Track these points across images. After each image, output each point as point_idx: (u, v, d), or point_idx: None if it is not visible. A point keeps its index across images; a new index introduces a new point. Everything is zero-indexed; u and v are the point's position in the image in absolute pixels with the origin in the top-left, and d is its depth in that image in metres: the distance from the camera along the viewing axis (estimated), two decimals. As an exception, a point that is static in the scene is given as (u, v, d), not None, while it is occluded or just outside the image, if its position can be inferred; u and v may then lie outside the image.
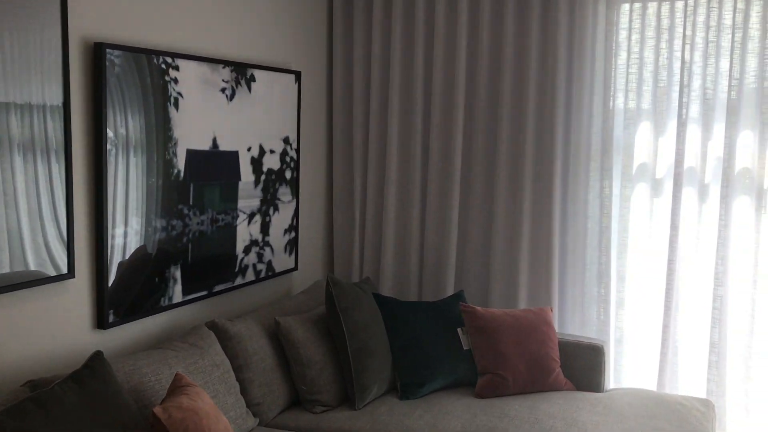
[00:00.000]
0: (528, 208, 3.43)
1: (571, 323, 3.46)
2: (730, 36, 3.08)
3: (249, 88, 3.15)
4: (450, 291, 3.57)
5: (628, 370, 3.41)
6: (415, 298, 3.67)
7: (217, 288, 3.06)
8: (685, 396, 3.06)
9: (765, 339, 3.11)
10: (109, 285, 2.51)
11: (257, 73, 3.20)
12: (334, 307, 3.00)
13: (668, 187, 3.26)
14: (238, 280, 3.19)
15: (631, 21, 3.27)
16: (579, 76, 3.35)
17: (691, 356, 3.27)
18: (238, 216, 3.15)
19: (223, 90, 2.99)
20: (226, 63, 2.99)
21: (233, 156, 3.09)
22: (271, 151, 3.34)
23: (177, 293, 2.84)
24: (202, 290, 2.97)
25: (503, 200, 3.48)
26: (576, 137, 3.38)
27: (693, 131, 3.19)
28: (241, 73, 3.09)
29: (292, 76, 3.45)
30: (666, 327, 3.26)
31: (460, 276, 3.62)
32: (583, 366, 3.17)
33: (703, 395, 3.22)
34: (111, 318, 2.53)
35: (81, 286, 2.44)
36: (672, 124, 3.23)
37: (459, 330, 3.19)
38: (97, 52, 2.42)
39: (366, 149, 3.76)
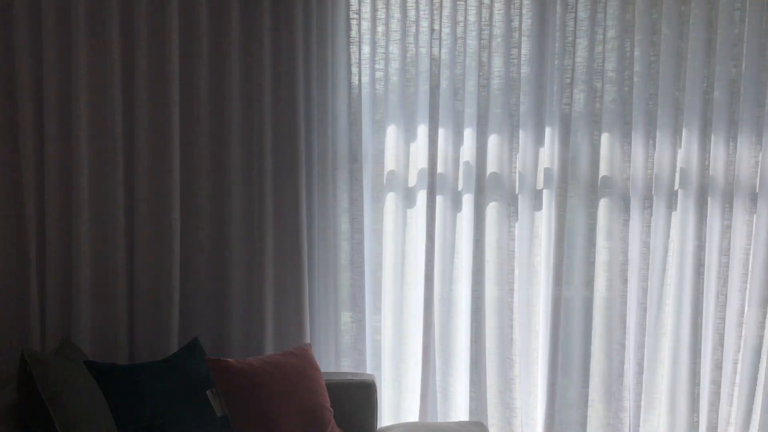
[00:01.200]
0: (270, 227, 2.84)
1: (325, 357, 2.98)
2: (476, 33, 2.90)
3: None
4: (174, 342, 2.79)
5: (388, 400, 3.06)
6: (126, 359, 2.81)
7: None
8: (459, 422, 2.82)
9: (524, 348, 3.03)
10: None
11: None
12: (37, 395, 2.05)
13: (421, 196, 2.98)
14: None
15: (374, 10, 2.89)
16: (320, 72, 2.87)
17: (453, 376, 3.06)
18: None
19: None
20: None
21: None
22: None
23: None
24: None
25: (239, 219, 2.85)
26: (321, 143, 2.90)
27: (444, 135, 2.95)
28: None
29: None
30: (426, 348, 2.99)
31: (186, 320, 2.87)
32: (355, 408, 2.72)
33: (465, 416, 3.04)
34: None
35: None
36: (423, 128, 2.95)
37: (209, 393, 2.48)
38: None
39: (41, 160, 2.76)
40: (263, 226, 2.83)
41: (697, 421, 3.05)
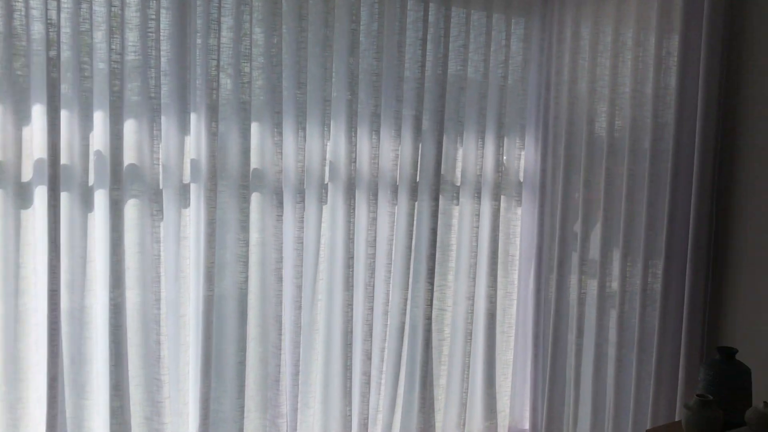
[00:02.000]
0: None
1: None
2: (104, -2, 2.43)
3: None
4: None
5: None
6: None
7: None
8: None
9: (173, 365, 2.66)
10: None
11: None
12: None
13: (40, 192, 2.40)
14: None
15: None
16: None
17: (88, 409, 2.54)
18: None
19: None
20: None
21: None
22: None
23: None
24: None
25: None
26: None
27: (67, 119, 2.42)
28: None
29: None
30: (53, 380, 2.42)
31: None
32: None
33: (105, 452, 2.57)
34: None
35: None
36: (39, 109, 2.37)
37: None
38: None
39: None
40: None
41: (350, 414, 3.04)
